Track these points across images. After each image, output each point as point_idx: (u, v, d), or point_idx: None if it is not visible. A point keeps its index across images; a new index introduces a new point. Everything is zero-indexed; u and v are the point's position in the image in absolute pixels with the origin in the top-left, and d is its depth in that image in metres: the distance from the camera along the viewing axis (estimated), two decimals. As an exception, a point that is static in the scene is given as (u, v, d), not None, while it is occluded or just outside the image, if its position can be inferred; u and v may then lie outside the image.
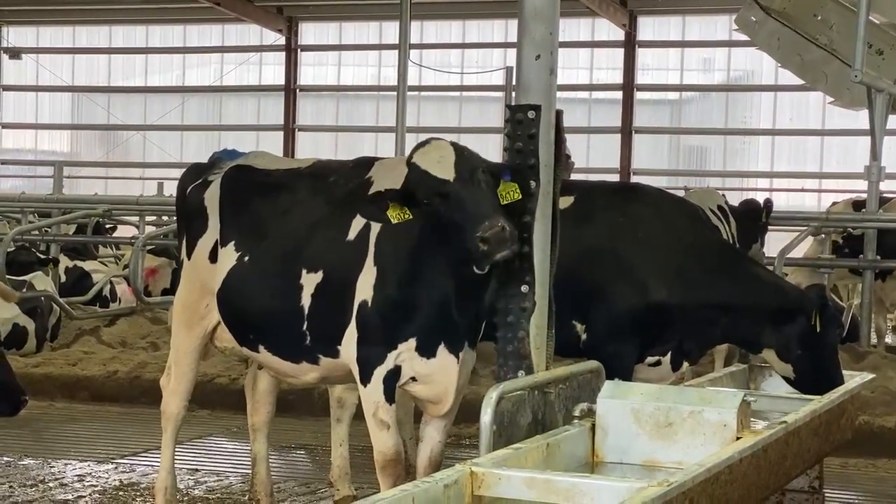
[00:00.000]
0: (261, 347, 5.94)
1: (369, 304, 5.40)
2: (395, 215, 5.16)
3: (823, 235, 12.62)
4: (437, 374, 5.40)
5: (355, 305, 5.45)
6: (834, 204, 15.41)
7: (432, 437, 5.60)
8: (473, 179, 5.07)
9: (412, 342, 5.35)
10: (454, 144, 5.20)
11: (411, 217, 5.15)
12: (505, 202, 5.18)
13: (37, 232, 14.55)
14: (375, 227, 5.47)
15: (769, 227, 11.95)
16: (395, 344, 5.37)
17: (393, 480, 5.41)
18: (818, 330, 6.58)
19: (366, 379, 5.45)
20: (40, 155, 31.35)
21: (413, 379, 5.44)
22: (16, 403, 8.41)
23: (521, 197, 5.26)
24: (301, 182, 5.99)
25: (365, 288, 5.43)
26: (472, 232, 4.92)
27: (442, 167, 5.08)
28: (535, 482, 4.26)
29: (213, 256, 6.11)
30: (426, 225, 5.21)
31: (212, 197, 6.20)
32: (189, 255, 6.29)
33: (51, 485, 7.57)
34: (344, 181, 5.84)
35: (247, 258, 5.93)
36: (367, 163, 5.88)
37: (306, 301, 5.64)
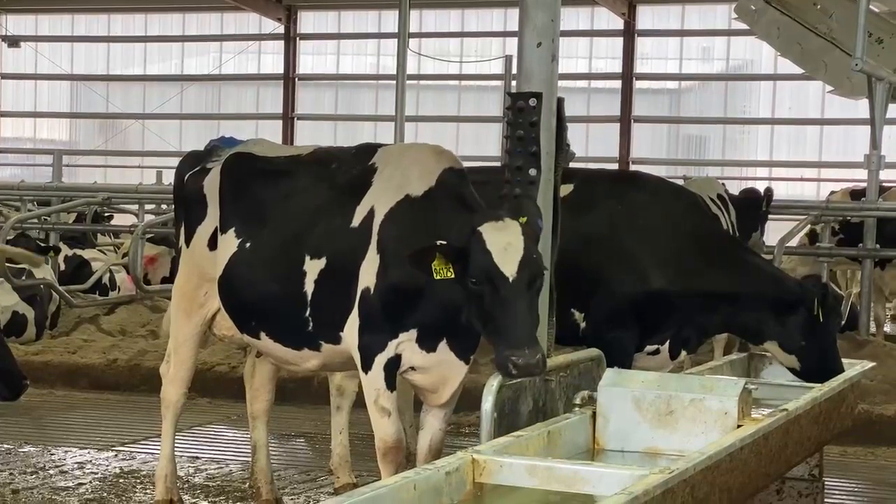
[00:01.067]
0: (262, 334, 5.94)
1: (372, 291, 5.40)
2: (439, 270, 4.98)
3: (822, 224, 12.62)
4: (436, 367, 5.41)
5: (358, 292, 5.44)
6: (832, 193, 15.42)
7: (433, 425, 5.61)
8: (531, 287, 4.89)
9: (413, 333, 5.35)
10: (526, 233, 4.93)
11: (453, 276, 4.97)
12: None
13: (36, 220, 14.54)
14: (379, 215, 5.46)
15: (769, 216, 11.95)
16: (397, 332, 5.37)
17: (394, 468, 5.42)
18: (821, 320, 6.59)
19: (367, 366, 5.45)
20: (39, 143, 31.31)
21: (412, 368, 5.45)
22: (17, 388, 8.41)
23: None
24: (302, 169, 5.98)
25: (368, 275, 5.42)
26: (507, 349, 4.78)
27: (507, 258, 4.85)
28: (536, 469, 4.26)
29: (213, 243, 6.11)
30: (430, 217, 5.16)
31: (211, 184, 6.19)
32: (187, 243, 6.29)
33: (51, 472, 7.58)
34: (346, 168, 5.82)
35: (248, 245, 5.93)
36: (369, 149, 5.86)
37: (309, 287, 5.64)
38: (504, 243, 4.89)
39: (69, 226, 15.74)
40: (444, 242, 4.98)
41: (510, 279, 4.85)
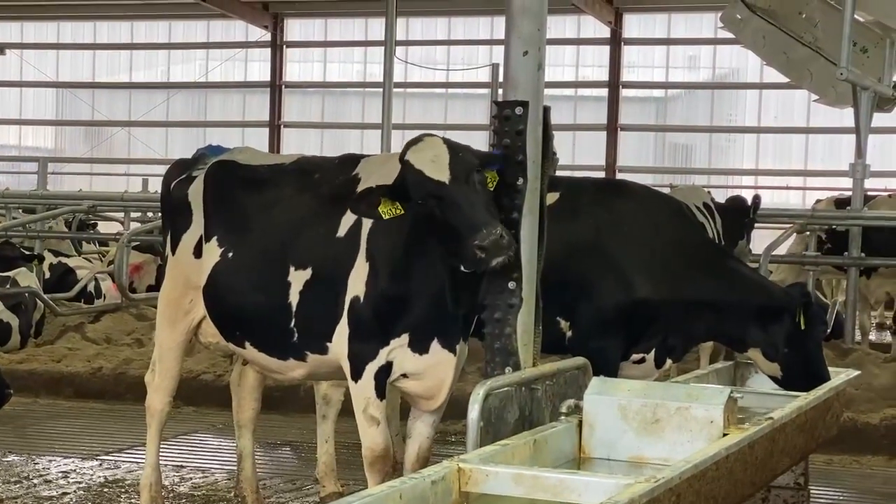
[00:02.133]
0: (247, 343, 5.93)
1: (362, 299, 5.40)
2: (386, 211, 5.13)
3: (808, 233, 12.66)
4: (429, 370, 5.41)
5: (347, 301, 5.44)
6: (818, 202, 15.46)
7: (421, 433, 5.60)
8: (469, 181, 5.03)
9: (405, 338, 5.36)
10: (447, 142, 5.15)
11: (402, 213, 5.13)
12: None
13: (21, 228, 14.50)
14: (367, 223, 5.45)
15: (755, 225, 11.96)
16: (388, 340, 5.37)
17: (381, 476, 5.41)
18: (803, 328, 6.60)
19: (357, 375, 5.44)
20: (24, 151, 31.24)
21: (404, 375, 5.44)
22: (0, 397, 8.37)
23: (496, 183, 5.25)
24: (286, 178, 5.98)
25: (357, 284, 5.42)
26: (469, 239, 4.89)
27: (437, 167, 5.04)
28: (522, 478, 4.25)
29: (198, 252, 6.10)
30: (419, 220, 5.19)
31: (196, 192, 6.19)
32: (173, 251, 6.28)
33: (35, 481, 7.55)
34: (330, 177, 5.83)
35: (232, 254, 5.92)
36: (353, 159, 5.87)
37: (294, 298, 5.63)
38: (430, 157, 5.07)
39: (54, 233, 15.70)
40: (381, 184, 5.17)
41: (447, 182, 4.99)
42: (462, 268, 5.10)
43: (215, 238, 6.00)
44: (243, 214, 5.95)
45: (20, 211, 15.61)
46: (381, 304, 5.36)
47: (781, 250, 12.43)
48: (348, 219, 5.53)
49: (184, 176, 6.35)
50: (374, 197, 5.14)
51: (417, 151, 5.13)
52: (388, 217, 5.14)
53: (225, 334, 6.06)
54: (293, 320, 5.65)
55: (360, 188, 5.61)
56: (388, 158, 5.85)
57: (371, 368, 5.40)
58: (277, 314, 5.67)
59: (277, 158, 6.33)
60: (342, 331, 5.47)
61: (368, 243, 5.42)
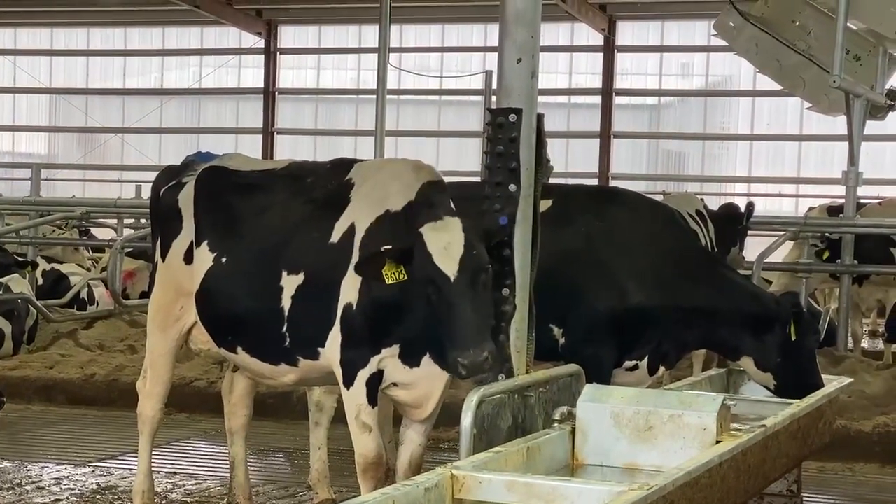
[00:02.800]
0: (239, 349, 5.93)
1: (354, 306, 5.39)
2: (390, 274, 5.06)
3: (801, 240, 12.67)
4: (420, 381, 5.40)
5: (339, 308, 5.43)
6: (811, 209, 15.49)
7: (413, 441, 5.60)
8: (474, 283, 4.94)
9: (395, 348, 5.35)
10: (466, 231, 5.01)
11: (406, 278, 5.05)
12: None
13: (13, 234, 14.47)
14: (360, 231, 5.45)
15: (748, 232, 11.98)
16: (379, 348, 5.36)
17: (374, 483, 5.40)
18: (794, 338, 6.60)
19: (349, 381, 5.44)
20: (17, 157, 31.17)
21: (394, 384, 5.44)
22: (-6, 403, 8.38)
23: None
24: (278, 183, 5.97)
25: (350, 290, 5.41)
26: (454, 350, 4.86)
27: (447, 258, 4.93)
28: (515, 485, 4.26)
29: (189, 258, 6.09)
30: (411, 231, 5.16)
31: (186, 198, 6.18)
32: (163, 257, 6.28)
33: (28, 488, 7.53)
34: (323, 182, 5.82)
35: (224, 259, 5.91)
36: (346, 164, 5.86)
37: (286, 303, 5.62)
38: (444, 243, 4.97)
39: (47, 240, 15.68)
40: (389, 247, 5.08)
41: (451, 278, 4.91)
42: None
43: (207, 243, 5.99)
44: (236, 219, 5.94)
45: (29, 216, 15.53)
46: (373, 311, 5.35)
47: (775, 258, 12.44)
48: (342, 225, 5.52)
49: (173, 182, 6.34)
50: (379, 260, 5.07)
51: (434, 230, 5.02)
52: (391, 282, 5.06)
53: (217, 339, 6.05)
54: (285, 325, 5.64)
55: (353, 193, 5.61)
56: (382, 164, 5.84)
57: (363, 375, 5.40)
58: (269, 319, 5.66)
59: (269, 164, 6.33)
60: (335, 337, 5.46)
61: (362, 250, 5.41)
